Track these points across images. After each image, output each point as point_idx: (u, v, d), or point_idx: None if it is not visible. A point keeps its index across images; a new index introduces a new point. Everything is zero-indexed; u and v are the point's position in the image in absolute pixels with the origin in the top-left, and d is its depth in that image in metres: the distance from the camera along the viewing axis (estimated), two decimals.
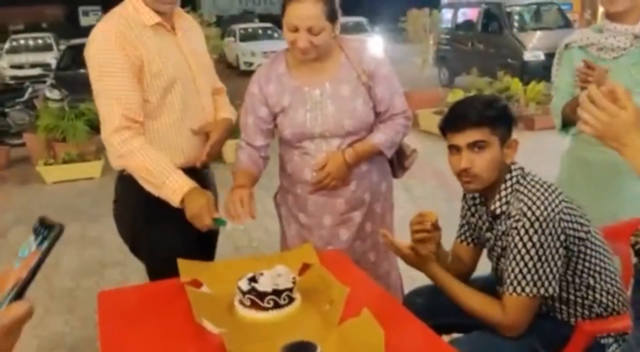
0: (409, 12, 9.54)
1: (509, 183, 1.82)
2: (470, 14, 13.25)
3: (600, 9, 15.77)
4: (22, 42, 18.03)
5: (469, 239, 2.04)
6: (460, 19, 13.16)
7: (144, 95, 2.00)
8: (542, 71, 10.07)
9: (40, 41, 18.09)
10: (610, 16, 2.35)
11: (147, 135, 2.02)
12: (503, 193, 1.82)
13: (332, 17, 2.02)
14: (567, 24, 11.78)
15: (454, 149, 1.82)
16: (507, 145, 1.81)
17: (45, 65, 15.41)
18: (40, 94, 9.26)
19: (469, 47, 12.10)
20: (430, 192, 5.51)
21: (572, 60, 2.41)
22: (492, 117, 1.77)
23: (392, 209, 2.39)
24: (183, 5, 7.89)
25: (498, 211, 1.83)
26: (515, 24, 11.73)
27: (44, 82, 11.13)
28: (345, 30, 16.70)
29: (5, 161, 7.52)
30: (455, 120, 1.81)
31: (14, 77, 15.48)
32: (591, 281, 1.82)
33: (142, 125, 2.00)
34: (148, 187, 1.96)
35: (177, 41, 2.09)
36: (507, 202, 1.80)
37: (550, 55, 10.24)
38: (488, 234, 1.93)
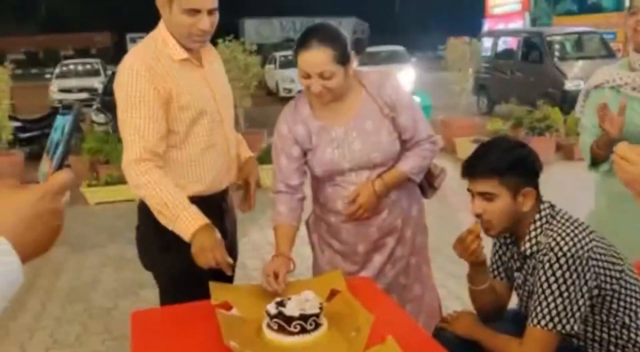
0: (448, 40, 9.57)
1: (538, 223, 1.82)
2: (510, 42, 13.22)
3: None
4: (71, 67, 18.74)
5: (501, 275, 2.03)
6: (501, 47, 13.13)
7: (171, 126, 2.04)
8: None
9: (88, 66, 18.77)
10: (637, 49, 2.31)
11: (172, 164, 2.06)
12: (533, 234, 1.83)
13: (342, 61, 2.05)
14: (610, 54, 11.63)
15: (470, 193, 1.87)
16: (522, 194, 1.81)
17: (92, 90, 15.94)
18: (87, 118, 9.57)
19: (509, 75, 12.05)
20: (465, 221, 5.47)
21: (601, 101, 2.33)
22: (502, 169, 1.79)
23: (424, 231, 2.42)
24: (226, 34, 8.09)
25: (528, 252, 1.83)
26: (556, 53, 11.64)
27: (91, 106, 11.52)
28: (383, 59, 16.46)
29: None
30: (466, 169, 1.86)
31: (62, 101, 16.03)
32: (627, 320, 1.79)
33: (162, 157, 2.02)
34: (162, 220, 1.98)
35: (204, 74, 2.13)
36: (537, 242, 1.81)
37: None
38: (517, 274, 1.93)
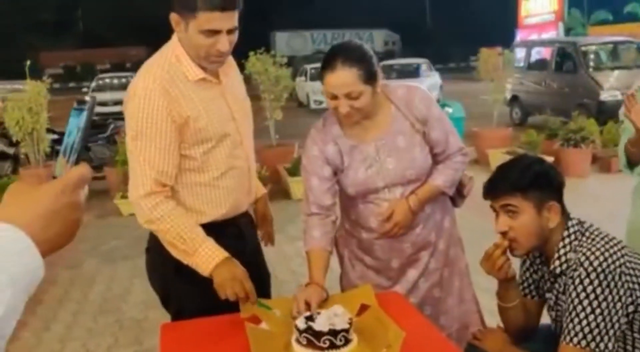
0: (480, 50, 9.48)
1: (567, 241, 1.78)
2: (543, 52, 13.04)
3: None
4: (107, 80, 19.19)
5: (532, 294, 1.98)
6: (534, 57, 12.96)
7: (188, 152, 1.93)
8: (621, 111, 9.74)
9: (123, 80, 19.14)
10: None
11: (190, 188, 1.97)
12: (562, 251, 1.78)
13: (369, 79, 2.00)
14: None
15: (493, 210, 1.84)
16: (547, 209, 1.77)
17: None
18: (121, 130, 9.72)
19: (543, 86, 11.86)
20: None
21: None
22: (524, 185, 1.76)
23: (457, 243, 2.37)
24: (257, 46, 8.13)
25: (558, 271, 1.79)
26: (591, 63, 11.42)
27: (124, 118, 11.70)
28: (406, 73, 16.32)
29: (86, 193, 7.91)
30: (488, 189, 1.84)
31: (98, 114, 16.36)
32: None
33: (172, 188, 1.93)
34: (176, 254, 1.89)
35: (222, 91, 2.01)
36: (567, 260, 1.76)
37: None
38: (549, 295, 1.88)
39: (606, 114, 9.59)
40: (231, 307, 1.90)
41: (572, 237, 1.77)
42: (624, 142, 2.36)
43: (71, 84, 33.84)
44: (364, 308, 1.87)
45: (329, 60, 2.00)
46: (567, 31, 21.97)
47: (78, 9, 46.91)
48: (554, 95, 11.30)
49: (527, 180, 1.76)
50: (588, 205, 6.08)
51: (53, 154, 7.91)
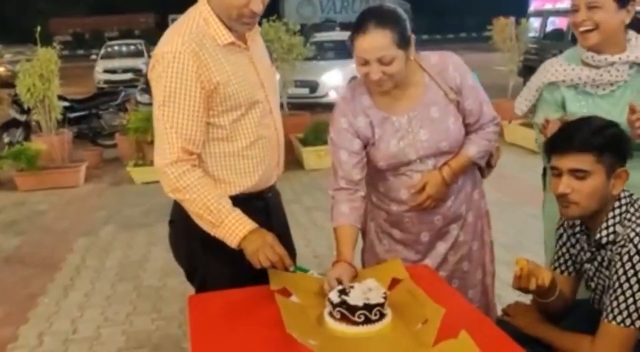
0: (495, 20, 9.30)
1: (617, 211, 1.72)
2: (559, 22, 12.76)
3: None
4: (115, 48, 18.98)
5: (569, 270, 1.93)
6: (549, 27, 12.71)
7: (216, 120, 1.86)
8: None
9: (132, 47, 18.98)
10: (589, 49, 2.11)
11: (218, 158, 1.91)
12: (610, 222, 1.72)
13: (403, 44, 1.91)
14: None
15: (555, 171, 1.74)
16: (615, 175, 1.70)
17: (136, 71, 16.11)
18: (132, 98, 9.67)
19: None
20: (513, 210, 5.33)
21: (559, 100, 2.20)
22: (599, 144, 1.67)
23: (485, 215, 2.32)
24: (269, 14, 8.02)
25: (604, 240, 1.73)
26: None
27: (135, 86, 11.64)
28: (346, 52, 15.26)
29: (98, 161, 7.92)
30: (559, 142, 1.73)
31: (107, 81, 16.31)
32: None
33: (199, 156, 1.87)
34: (203, 224, 1.84)
35: (250, 57, 1.94)
36: (614, 232, 1.71)
37: None
38: (588, 265, 1.83)
39: None
40: (258, 280, 1.87)
41: (623, 208, 1.71)
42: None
43: (80, 51, 33.60)
44: (395, 282, 1.84)
45: (360, 22, 1.91)
46: None
47: None
48: None
49: (603, 140, 1.67)
50: None
51: (65, 122, 7.89)
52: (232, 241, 1.83)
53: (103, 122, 8.93)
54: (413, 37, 1.98)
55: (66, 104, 8.51)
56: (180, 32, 1.82)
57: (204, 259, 1.98)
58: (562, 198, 1.72)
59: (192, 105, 1.80)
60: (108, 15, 41.04)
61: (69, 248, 4.94)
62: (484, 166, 2.27)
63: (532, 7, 21.65)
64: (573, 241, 1.89)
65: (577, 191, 1.69)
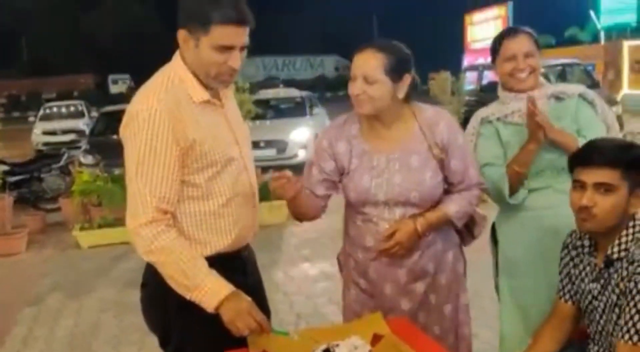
0: (434, 74, 9.66)
1: (631, 230, 1.76)
2: (491, 76, 13.39)
3: (625, 70, 15.72)
4: (54, 109, 18.64)
5: (569, 295, 1.95)
6: (485, 80, 13.30)
7: (191, 178, 1.82)
8: None
9: (72, 108, 18.67)
10: (510, 89, 2.37)
11: (193, 218, 1.85)
12: (624, 239, 1.76)
13: (392, 74, 1.99)
14: (594, 84, 11.82)
15: (578, 184, 1.78)
16: (636, 195, 1.76)
17: (77, 132, 15.81)
18: (75, 160, 9.43)
19: None
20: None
21: (495, 133, 2.40)
22: (627, 161, 1.73)
23: (460, 280, 2.26)
24: None
25: (615, 256, 1.76)
26: None
27: (77, 148, 11.37)
28: (288, 110, 12.42)
29: (41, 226, 7.59)
30: (587, 155, 1.78)
31: (46, 143, 15.89)
32: None
33: (174, 216, 1.81)
34: (177, 288, 1.76)
35: (225, 114, 1.93)
36: (626, 249, 1.74)
37: None
38: (593, 285, 1.84)
39: None
40: (237, 342, 1.79)
41: (637, 228, 1.75)
42: (498, 173, 2.31)
43: (15, 114, 32.79)
44: (377, 338, 1.80)
45: (363, 46, 2.03)
46: None
47: (22, 37, 45.86)
48: None
49: (629, 157, 1.73)
50: None
51: (5, 186, 7.58)
52: (209, 306, 1.76)
53: (45, 185, 8.63)
54: (409, 78, 2.04)
55: (5, 167, 8.22)
56: (156, 89, 1.79)
57: (180, 322, 1.88)
58: (582, 211, 1.76)
59: (167, 164, 1.76)
60: (45, 76, 40.49)
61: (14, 320, 4.64)
62: (462, 229, 2.26)
63: (466, 62, 22.73)
64: (577, 260, 1.92)
65: (600, 206, 1.73)
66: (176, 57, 1.87)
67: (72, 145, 13.81)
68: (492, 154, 2.37)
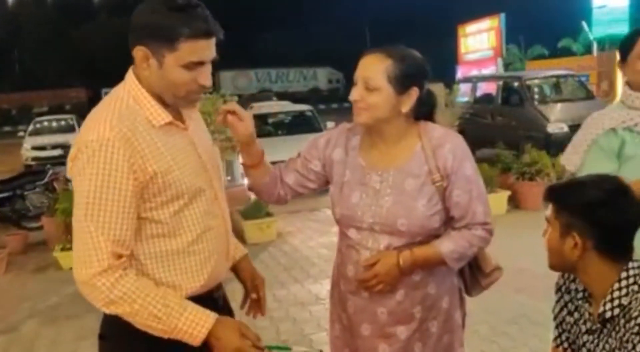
0: (430, 86, 9.52)
1: (624, 283, 1.54)
2: (485, 87, 13.26)
3: (619, 81, 15.67)
4: (45, 124, 18.41)
5: (567, 343, 1.74)
6: (479, 92, 13.16)
7: (154, 214, 1.59)
8: (567, 143, 9.91)
9: (63, 123, 18.44)
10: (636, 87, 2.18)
11: (159, 259, 1.62)
12: (616, 294, 1.54)
13: (396, 83, 1.78)
14: (589, 96, 11.69)
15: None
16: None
17: (67, 147, 15.56)
18: (61, 176, 9.18)
19: (489, 120, 12.01)
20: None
21: (617, 146, 2.18)
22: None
23: (456, 330, 1.99)
24: None
25: (608, 315, 1.55)
26: (536, 96, 11.64)
27: (65, 163, 11.16)
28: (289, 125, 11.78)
29: (22, 246, 7.33)
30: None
31: (35, 158, 15.65)
32: None
33: (136, 259, 1.61)
34: (153, 332, 1.55)
35: (190, 137, 1.70)
36: (621, 305, 1.53)
37: (574, 127, 9.97)
38: (587, 337, 1.64)
39: (554, 146, 9.73)
40: None
41: (631, 280, 1.54)
42: None
43: (6, 128, 32.51)
44: None
45: (371, 48, 1.87)
46: (506, 66, 22.62)
47: (14, 51, 45.66)
48: (502, 128, 11.42)
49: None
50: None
51: None
52: (194, 342, 1.56)
53: (28, 203, 8.38)
54: (417, 92, 1.82)
55: None
56: (107, 116, 1.55)
57: None
58: None
59: (122, 201, 1.52)
60: (37, 90, 40.24)
61: None
62: (469, 280, 2.03)
63: (460, 74, 22.64)
64: (571, 307, 1.72)
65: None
66: (129, 78, 1.64)
67: (60, 160, 13.59)
68: (606, 168, 2.09)
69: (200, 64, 1.57)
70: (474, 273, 2.02)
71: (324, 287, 5.13)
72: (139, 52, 1.57)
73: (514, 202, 7.55)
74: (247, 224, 6.90)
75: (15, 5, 47.95)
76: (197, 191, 1.66)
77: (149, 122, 1.59)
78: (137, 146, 1.54)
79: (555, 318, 1.77)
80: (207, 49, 1.58)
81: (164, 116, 1.62)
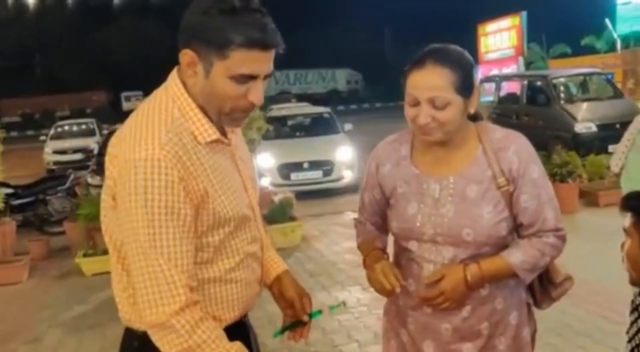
0: None
1: None
2: (512, 86, 13.01)
3: None
4: (66, 128, 18.52)
5: None
6: (503, 92, 12.93)
7: (202, 240, 1.44)
8: (596, 143, 9.70)
9: (83, 127, 18.52)
10: None
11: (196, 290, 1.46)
12: None
13: (462, 90, 1.64)
14: (617, 94, 11.39)
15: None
16: None
17: (88, 151, 15.61)
18: (82, 181, 9.15)
19: (515, 120, 11.77)
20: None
21: None
22: None
23: (524, 348, 1.85)
24: None
25: None
26: (562, 95, 11.38)
27: (87, 167, 11.12)
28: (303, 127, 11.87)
29: (44, 251, 7.27)
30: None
31: (57, 163, 15.73)
32: None
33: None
34: None
35: (232, 154, 1.55)
36: None
37: (602, 127, 9.67)
38: None
39: (582, 146, 9.50)
40: None
41: None
42: None
43: (29, 132, 32.83)
44: None
45: (418, 58, 1.67)
46: (528, 65, 22.27)
47: (36, 54, 46.18)
48: (528, 128, 11.13)
49: None
50: (584, 240, 5.81)
51: (7, 210, 7.31)
52: None
53: (51, 208, 8.35)
54: (478, 87, 1.69)
55: (9, 190, 7.97)
56: (154, 129, 1.37)
57: None
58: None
59: (184, 227, 1.36)
60: (59, 94, 40.62)
61: None
62: (536, 287, 1.87)
63: (480, 73, 22.37)
64: None
65: None
66: (173, 82, 1.47)
67: (81, 164, 13.61)
68: None
69: (252, 78, 1.40)
70: (544, 284, 1.87)
71: (352, 295, 4.98)
72: (185, 56, 1.40)
73: None
74: (271, 229, 6.77)
75: (36, 9, 48.53)
76: (243, 218, 1.51)
77: (195, 137, 1.42)
78: (189, 166, 1.38)
79: (630, 340, 1.60)
80: (261, 61, 1.40)
81: (211, 132, 1.44)
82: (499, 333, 1.78)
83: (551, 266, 1.83)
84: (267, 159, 9.47)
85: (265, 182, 9.11)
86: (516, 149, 1.71)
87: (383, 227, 1.93)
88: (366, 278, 1.82)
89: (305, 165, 9.33)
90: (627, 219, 1.44)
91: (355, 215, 2.05)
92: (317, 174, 9.40)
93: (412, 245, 1.76)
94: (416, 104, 1.65)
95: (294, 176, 9.36)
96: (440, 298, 1.70)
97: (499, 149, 1.71)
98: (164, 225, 1.33)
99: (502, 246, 1.72)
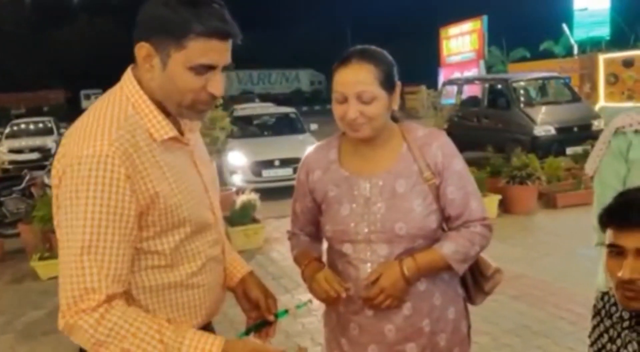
0: (415, 88, 9.42)
1: None
2: (469, 90, 13.17)
3: (601, 83, 15.77)
4: (22, 126, 18.02)
5: None
6: (465, 94, 13.08)
7: (153, 244, 1.38)
8: (554, 146, 9.91)
9: (41, 125, 18.06)
10: None
11: (155, 295, 1.42)
12: None
13: (386, 85, 1.71)
14: (575, 98, 11.65)
15: (614, 250, 1.39)
16: None
17: (45, 150, 15.21)
18: (39, 181, 8.89)
19: (475, 122, 11.93)
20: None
21: (624, 148, 2.14)
22: None
23: (464, 342, 1.89)
24: None
25: None
26: (522, 99, 11.59)
27: (44, 167, 10.84)
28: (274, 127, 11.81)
29: None
30: (621, 214, 1.37)
31: (12, 162, 15.28)
32: None
33: (126, 293, 1.39)
34: None
35: (191, 153, 1.52)
36: None
37: (561, 130, 9.84)
38: None
39: (541, 149, 9.68)
40: None
41: None
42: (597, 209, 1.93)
43: None
44: None
45: (344, 57, 1.74)
46: (488, 68, 22.67)
47: None
48: (488, 130, 11.36)
49: None
50: (539, 242, 5.92)
51: None
52: None
53: (5, 209, 8.08)
54: (399, 84, 1.76)
55: None
56: (104, 126, 1.33)
57: None
58: (627, 285, 1.35)
59: (124, 229, 1.30)
60: (14, 92, 39.56)
61: None
62: (468, 282, 1.91)
63: (442, 76, 22.63)
64: (613, 333, 1.54)
65: None
66: (128, 80, 1.42)
67: (37, 163, 13.26)
68: (612, 172, 2.12)
69: (211, 68, 1.37)
70: (476, 278, 1.93)
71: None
72: (141, 49, 1.36)
73: (504, 207, 7.43)
74: (233, 231, 6.69)
75: None
76: (202, 220, 1.47)
77: (150, 135, 1.38)
78: (138, 164, 1.33)
79: (592, 344, 1.60)
80: (220, 51, 1.37)
81: (168, 129, 1.41)
82: (440, 330, 1.82)
83: (481, 260, 1.91)
84: (238, 157, 9.69)
85: (237, 179, 9.31)
86: (439, 144, 1.78)
87: (317, 236, 1.96)
88: (308, 289, 1.82)
89: (276, 162, 9.54)
90: (610, 236, 1.39)
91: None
92: (287, 171, 9.55)
93: (347, 248, 1.78)
94: (344, 100, 1.70)
95: (266, 173, 9.57)
96: (381, 296, 1.71)
97: (422, 145, 1.78)
98: (103, 225, 1.28)
99: (433, 239, 1.77)
